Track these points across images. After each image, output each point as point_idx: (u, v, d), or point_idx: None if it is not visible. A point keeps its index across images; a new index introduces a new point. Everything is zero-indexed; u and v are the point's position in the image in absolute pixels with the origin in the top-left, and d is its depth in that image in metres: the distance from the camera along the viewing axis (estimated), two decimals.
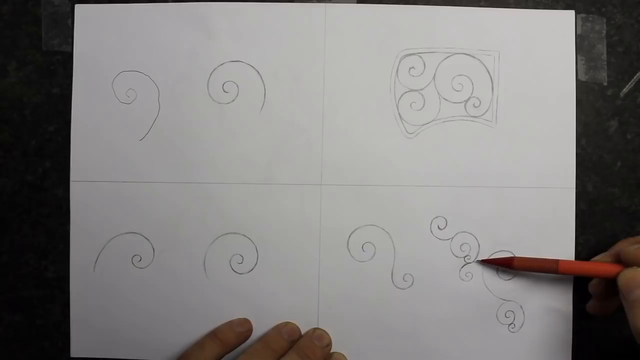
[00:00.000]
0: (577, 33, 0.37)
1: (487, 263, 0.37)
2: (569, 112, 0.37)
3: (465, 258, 0.37)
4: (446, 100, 0.37)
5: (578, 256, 0.37)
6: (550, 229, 0.37)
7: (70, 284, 0.38)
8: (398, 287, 0.37)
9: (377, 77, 0.37)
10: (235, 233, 0.37)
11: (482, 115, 0.37)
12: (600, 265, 0.34)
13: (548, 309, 0.37)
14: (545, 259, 0.35)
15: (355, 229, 0.37)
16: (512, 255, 0.37)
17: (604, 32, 0.37)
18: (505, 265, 0.36)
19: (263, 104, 0.37)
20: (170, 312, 0.37)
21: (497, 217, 0.37)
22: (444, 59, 0.37)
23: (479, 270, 0.37)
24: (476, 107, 0.37)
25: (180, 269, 0.37)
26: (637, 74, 0.37)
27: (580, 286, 0.37)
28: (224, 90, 0.37)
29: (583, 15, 0.37)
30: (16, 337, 0.38)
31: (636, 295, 0.31)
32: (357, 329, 0.37)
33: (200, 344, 0.36)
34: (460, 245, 0.37)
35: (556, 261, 0.34)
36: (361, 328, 0.37)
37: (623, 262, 0.33)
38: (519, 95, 0.37)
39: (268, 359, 0.35)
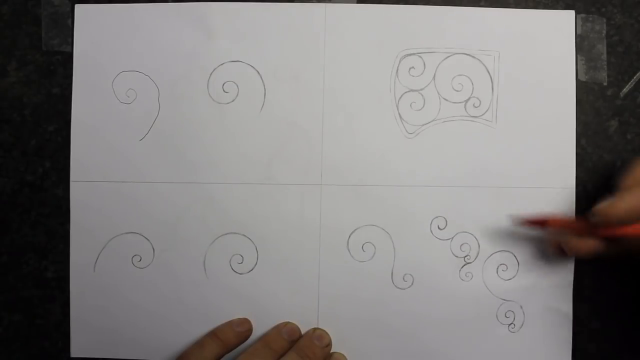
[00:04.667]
0: (577, 33, 0.37)
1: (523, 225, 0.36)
2: (569, 112, 0.37)
3: (465, 258, 0.37)
4: (446, 100, 0.37)
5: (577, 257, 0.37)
6: None
7: (70, 284, 0.38)
8: (398, 287, 0.37)
9: (377, 77, 0.37)
10: (235, 233, 0.37)
11: (482, 115, 0.37)
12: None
13: (548, 309, 0.37)
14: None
15: (355, 229, 0.37)
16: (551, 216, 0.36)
17: (604, 32, 0.37)
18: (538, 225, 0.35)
19: (263, 104, 0.37)
20: (170, 312, 0.37)
21: (497, 217, 0.37)
22: (444, 59, 0.37)
23: (479, 270, 0.37)
24: (476, 107, 0.37)
25: (180, 269, 0.37)
26: (637, 74, 0.37)
27: (581, 286, 0.37)
28: (224, 90, 0.37)
29: (583, 15, 0.37)
30: (16, 337, 0.38)
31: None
32: (357, 329, 0.37)
33: (200, 344, 0.36)
34: (460, 245, 0.37)
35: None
36: (361, 328, 0.37)
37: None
38: (519, 95, 0.37)
39: (268, 358, 0.35)
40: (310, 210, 0.37)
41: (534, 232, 0.36)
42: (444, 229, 0.37)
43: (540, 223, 0.35)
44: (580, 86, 0.37)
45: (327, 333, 0.37)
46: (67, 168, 0.38)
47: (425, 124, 0.37)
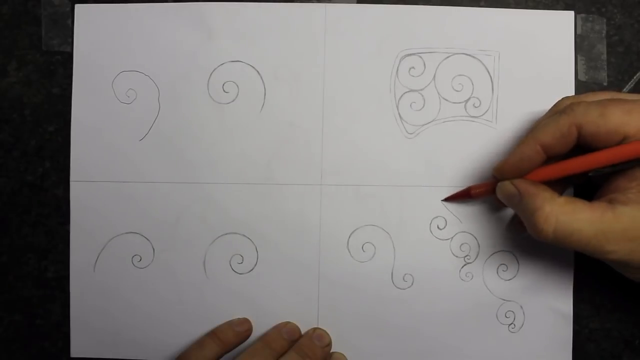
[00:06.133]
0: (577, 33, 0.37)
1: (449, 200, 0.37)
2: None
3: (465, 258, 0.37)
4: (446, 100, 0.37)
5: (576, 256, 0.37)
6: None
7: (70, 284, 0.38)
8: (398, 287, 0.37)
9: (377, 77, 0.37)
10: (235, 233, 0.37)
11: (482, 115, 0.37)
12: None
13: (548, 309, 0.37)
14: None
15: (355, 229, 0.37)
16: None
17: (604, 32, 0.37)
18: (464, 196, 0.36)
19: (263, 104, 0.37)
20: (170, 312, 0.37)
21: (497, 217, 0.37)
22: (444, 59, 0.37)
23: (479, 270, 0.37)
24: (476, 107, 0.37)
25: (180, 269, 0.37)
26: (637, 74, 0.37)
27: (581, 286, 0.37)
28: (224, 90, 0.37)
29: (583, 15, 0.37)
30: (16, 337, 0.38)
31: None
32: (357, 329, 0.37)
33: (199, 343, 0.36)
34: (460, 245, 0.37)
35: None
36: (361, 328, 0.37)
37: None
38: (519, 95, 0.37)
39: (268, 358, 0.35)
40: (310, 210, 0.37)
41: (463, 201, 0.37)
42: (443, 229, 0.37)
43: (464, 194, 0.36)
44: (580, 86, 0.37)
45: (327, 333, 0.37)
46: (67, 168, 0.38)
47: (425, 124, 0.37)
